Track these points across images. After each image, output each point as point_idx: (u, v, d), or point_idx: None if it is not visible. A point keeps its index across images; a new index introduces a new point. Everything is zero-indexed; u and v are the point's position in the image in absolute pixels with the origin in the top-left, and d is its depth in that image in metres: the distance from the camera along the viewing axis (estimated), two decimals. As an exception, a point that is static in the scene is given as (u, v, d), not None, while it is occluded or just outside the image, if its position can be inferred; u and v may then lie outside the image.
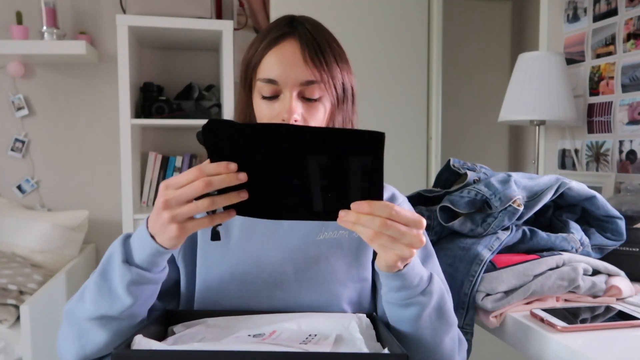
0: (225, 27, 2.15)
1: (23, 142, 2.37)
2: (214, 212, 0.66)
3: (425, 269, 0.84)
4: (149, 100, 2.24)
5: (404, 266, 0.70)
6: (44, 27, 2.16)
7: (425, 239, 0.88)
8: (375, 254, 0.84)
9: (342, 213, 0.63)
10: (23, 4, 2.30)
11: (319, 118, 0.81)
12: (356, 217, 0.62)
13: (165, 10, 2.11)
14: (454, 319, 0.79)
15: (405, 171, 2.50)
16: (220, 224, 0.69)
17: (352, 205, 0.62)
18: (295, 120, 0.78)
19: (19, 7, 2.28)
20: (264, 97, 0.81)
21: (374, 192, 0.63)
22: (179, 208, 0.62)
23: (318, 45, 0.80)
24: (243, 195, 0.63)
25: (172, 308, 0.84)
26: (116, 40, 2.07)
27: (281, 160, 0.62)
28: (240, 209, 0.66)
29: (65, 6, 2.37)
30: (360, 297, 0.83)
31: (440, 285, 0.78)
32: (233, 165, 0.62)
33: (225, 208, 0.66)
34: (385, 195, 0.88)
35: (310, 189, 0.64)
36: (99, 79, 2.43)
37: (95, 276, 0.72)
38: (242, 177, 0.62)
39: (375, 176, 0.62)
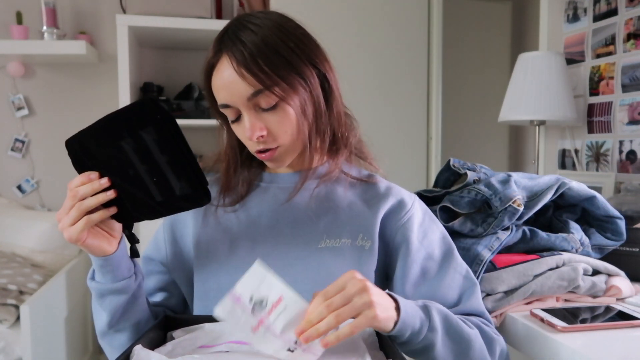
0: (225, 27, 2.15)
1: (23, 142, 2.37)
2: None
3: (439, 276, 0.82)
4: (149, 100, 2.24)
5: (395, 324, 0.67)
6: (44, 27, 2.16)
7: (442, 235, 0.87)
8: (378, 264, 0.83)
9: (303, 338, 0.62)
10: (23, 4, 2.30)
11: (287, 123, 0.77)
12: (315, 330, 0.62)
13: (165, 10, 2.11)
14: (469, 333, 0.75)
15: (405, 171, 2.50)
16: (138, 241, 0.75)
17: (303, 337, 0.62)
18: (262, 136, 0.77)
19: (19, 7, 2.28)
20: (232, 121, 0.80)
21: (180, 163, 0.66)
22: (62, 220, 0.69)
23: (249, 52, 0.74)
24: (110, 195, 0.68)
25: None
26: (116, 40, 2.07)
27: (114, 157, 0.67)
28: (119, 216, 0.71)
29: (65, 6, 2.37)
30: None
31: (441, 309, 0.75)
32: (94, 175, 0.68)
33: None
34: (392, 201, 0.84)
35: (143, 179, 0.67)
36: (99, 79, 2.43)
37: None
38: (104, 182, 0.68)
39: (171, 145, 0.65)
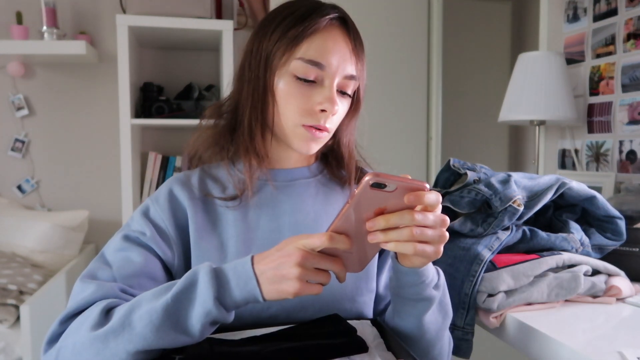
0: (225, 27, 2.15)
1: (23, 142, 2.37)
2: None
3: None
4: (149, 100, 2.24)
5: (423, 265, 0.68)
6: (44, 27, 2.16)
7: None
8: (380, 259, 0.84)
9: (369, 225, 0.58)
10: (23, 4, 2.30)
11: (341, 115, 0.79)
12: (384, 235, 0.58)
13: (165, 10, 2.11)
14: (449, 312, 0.79)
15: (405, 171, 2.49)
16: None
17: (369, 223, 0.58)
18: (334, 113, 0.75)
19: (19, 7, 2.28)
20: (299, 79, 0.74)
21: None
22: (313, 273, 0.61)
23: (360, 40, 0.79)
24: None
25: None
26: (116, 40, 2.07)
27: None
28: None
29: (65, 6, 2.37)
30: (366, 309, 0.79)
31: (443, 278, 0.78)
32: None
33: None
34: None
35: None
36: (99, 79, 2.43)
37: (167, 303, 0.61)
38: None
39: None
